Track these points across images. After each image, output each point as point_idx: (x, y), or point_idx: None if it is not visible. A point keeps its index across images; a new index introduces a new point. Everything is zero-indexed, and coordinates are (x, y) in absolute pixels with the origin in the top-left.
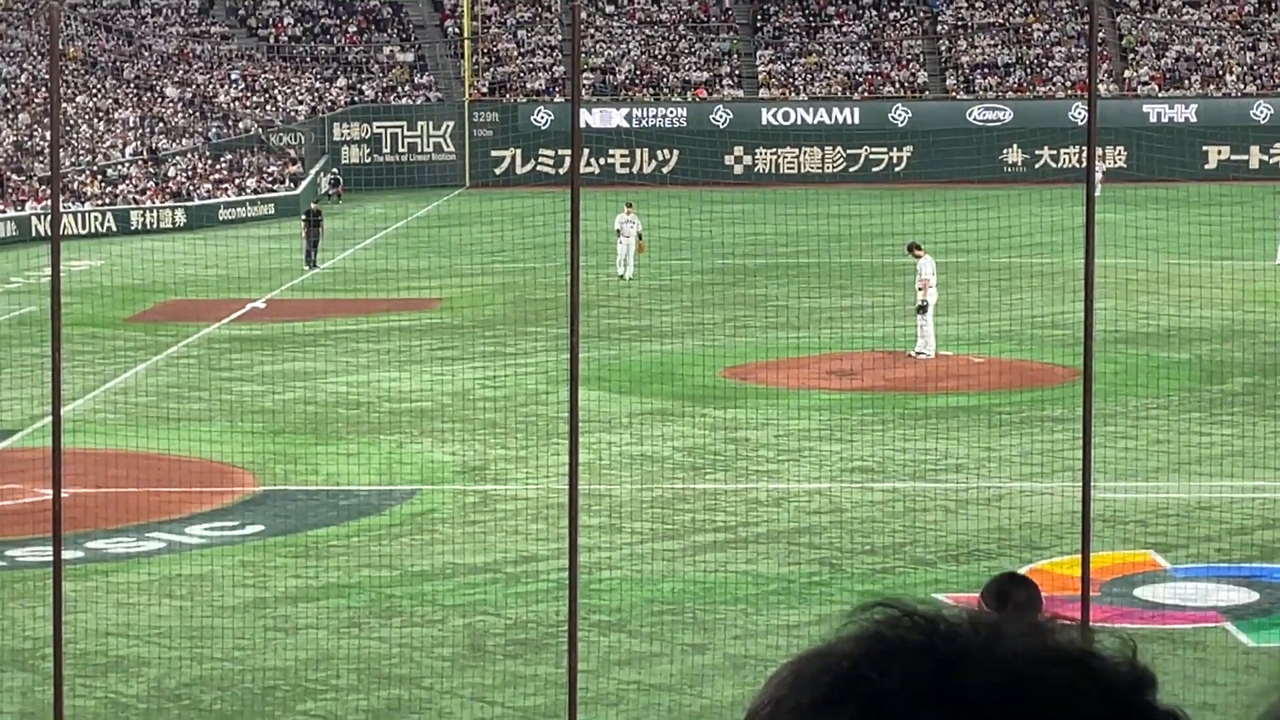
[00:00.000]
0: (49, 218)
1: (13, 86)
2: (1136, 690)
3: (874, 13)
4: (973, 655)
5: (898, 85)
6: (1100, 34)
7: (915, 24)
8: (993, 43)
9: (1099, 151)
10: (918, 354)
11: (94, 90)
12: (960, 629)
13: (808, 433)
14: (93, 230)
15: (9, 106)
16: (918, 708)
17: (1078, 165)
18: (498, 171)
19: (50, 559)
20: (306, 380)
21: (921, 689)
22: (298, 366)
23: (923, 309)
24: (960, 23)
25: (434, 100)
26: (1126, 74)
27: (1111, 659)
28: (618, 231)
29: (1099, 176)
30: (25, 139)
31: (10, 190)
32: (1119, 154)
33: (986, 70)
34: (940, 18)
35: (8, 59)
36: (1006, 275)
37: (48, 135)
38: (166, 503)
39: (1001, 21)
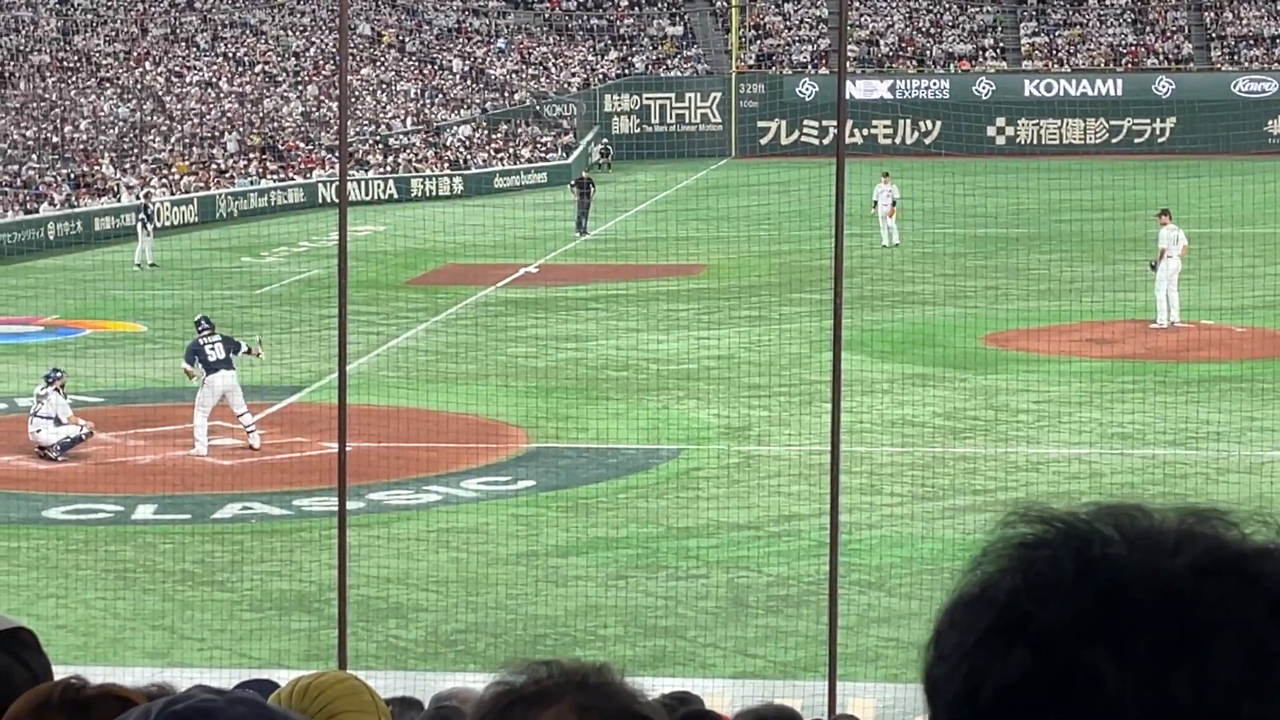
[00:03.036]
0: (335, 185)
1: (301, 59)
2: None
3: None
4: (1131, 581)
5: (1161, 57)
6: None
7: None
8: (1259, 14)
9: None
10: (1159, 324)
11: (378, 63)
12: (1113, 550)
13: (1067, 399)
14: (375, 197)
15: (298, 79)
16: (1083, 643)
17: None
18: (763, 142)
19: (334, 509)
20: (576, 342)
21: (1085, 622)
22: (568, 329)
23: (1153, 266)
24: None
25: (702, 72)
26: None
27: (1268, 551)
28: (875, 203)
29: None
30: (312, 110)
31: (299, 159)
32: None
33: (1252, 41)
34: None
35: (296, 34)
36: (1270, 246)
37: (334, 107)
38: (443, 457)
39: None
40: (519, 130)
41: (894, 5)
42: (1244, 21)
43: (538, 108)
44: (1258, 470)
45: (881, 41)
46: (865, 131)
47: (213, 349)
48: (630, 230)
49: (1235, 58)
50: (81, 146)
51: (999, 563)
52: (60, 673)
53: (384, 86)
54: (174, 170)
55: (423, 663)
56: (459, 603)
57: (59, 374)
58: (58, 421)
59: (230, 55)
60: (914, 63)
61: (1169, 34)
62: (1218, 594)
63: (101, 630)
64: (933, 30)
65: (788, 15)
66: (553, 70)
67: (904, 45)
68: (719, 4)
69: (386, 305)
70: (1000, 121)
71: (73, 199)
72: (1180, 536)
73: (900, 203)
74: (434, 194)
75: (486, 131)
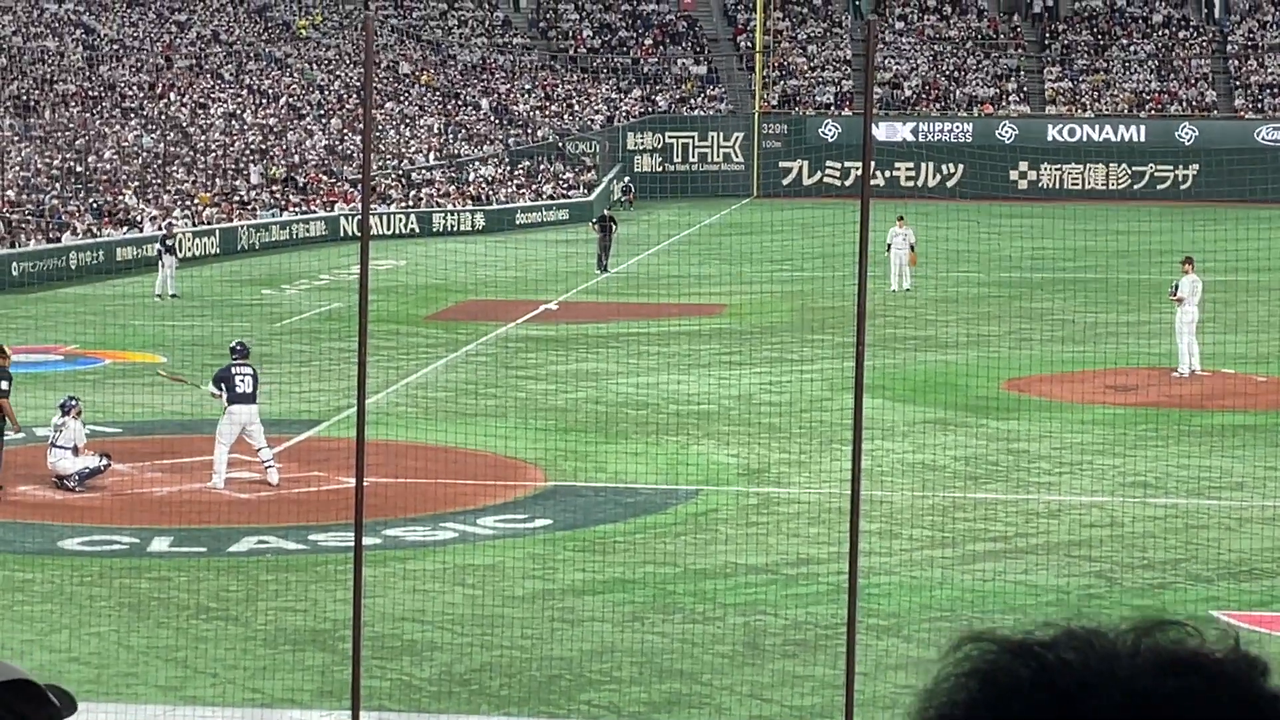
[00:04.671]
0: (358, 219)
1: (325, 93)
2: (1252, 680)
3: (1163, 32)
4: (1089, 683)
5: (1185, 104)
6: None
7: (1204, 43)
8: None
9: None
10: (1181, 373)
11: (401, 98)
12: (1068, 655)
13: (1086, 446)
14: (397, 231)
15: (321, 113)
16: None
17: None
18: (785, 182)
19: (350, 544)
20: (595, 380)
21: None
22: (587, 367)
23: (1173, 290)
24: (1250, 43)
25: (724, 112)
26: None
27: (1220, 653)
28: (888, 246)
29: None
30: (336, 143)
31: (321, 192)
32: None
33: (1276, 89)
34: (1230, 37)
35: (321, 67)
36: None
37: (357, 140)
38: (460, 494)
39: None
40: (541, 167)
41: (918, 48)
42: (1268, 70)
43: (561, 144)
44: (1278, 521)
45: (905, 84)
46: (888, 173)
47: (242, 380)
48: (651, 269)
49: (1259, 106)
50: (105, 176)
51: (954, 683)
52: None
53: (407, 121)
54: (197, 201)
55: (436, 702)
56: (473, 641)
57: (74, 401)
58: (76, 451)
59: (254, 88)
60: (937, 106)
61: (1193, 81)
62: (1181, 691)
63: (115, 663)
64: (956, 74)
65: (811, 56)
66: (576, 107)
67: (927, 88)
68: (743, 45)
69: (406, 340)
70: (1023, 166)
71: (95, 228)
72: (1136, 641)
73: (919, 246)
74: (455, 229)
75: (509, 167)
